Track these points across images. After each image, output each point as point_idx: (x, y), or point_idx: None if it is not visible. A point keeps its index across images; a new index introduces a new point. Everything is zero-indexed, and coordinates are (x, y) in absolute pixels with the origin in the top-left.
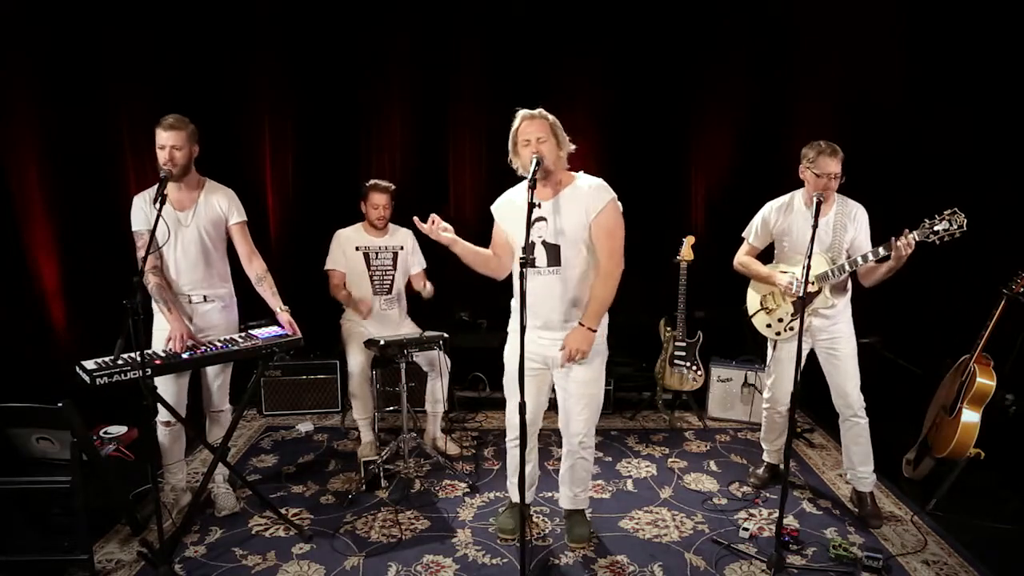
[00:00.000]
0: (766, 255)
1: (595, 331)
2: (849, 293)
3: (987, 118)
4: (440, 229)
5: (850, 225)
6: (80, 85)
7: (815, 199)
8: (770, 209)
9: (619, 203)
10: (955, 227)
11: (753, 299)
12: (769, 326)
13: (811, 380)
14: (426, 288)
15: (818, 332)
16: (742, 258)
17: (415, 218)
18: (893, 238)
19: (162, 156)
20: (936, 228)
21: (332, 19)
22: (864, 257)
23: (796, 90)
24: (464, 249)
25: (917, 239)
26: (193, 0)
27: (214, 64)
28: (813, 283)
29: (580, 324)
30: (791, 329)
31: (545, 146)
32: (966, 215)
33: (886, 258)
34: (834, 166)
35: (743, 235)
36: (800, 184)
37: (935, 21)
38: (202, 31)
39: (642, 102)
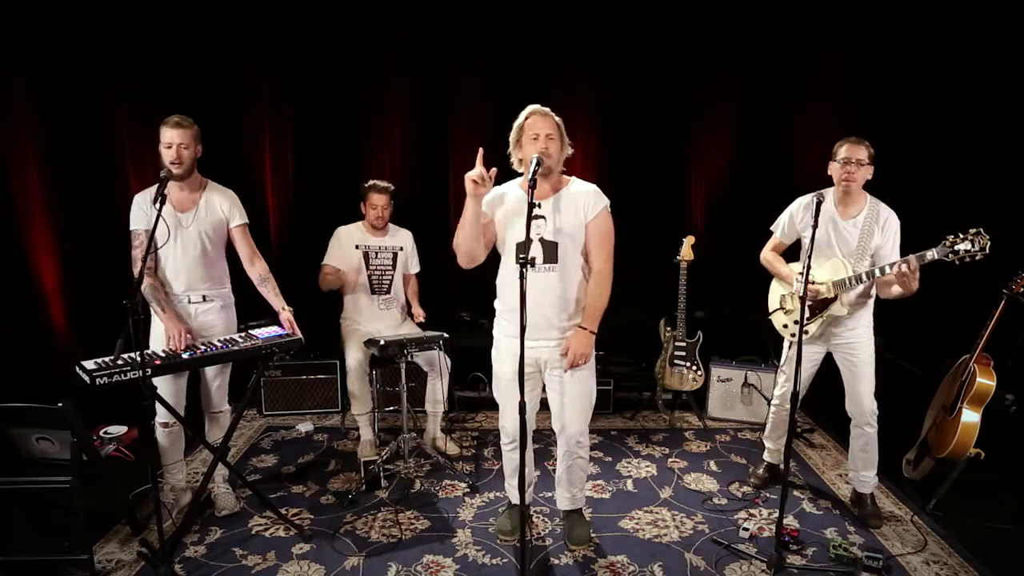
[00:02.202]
0: (792, 252)
1: (595, 334)
2: (872, 299)
3: (988, 118)
4: (486, 176)
5: (877, 231)
6: (80, 85)
7: (815, 199)
8: (798, 205)
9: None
10: (977, 248)
11: (774, 297)
12: (785, 326)
13: (815, 381)
14: (417, 312)
15: (836, 336)
16: (767, 254)
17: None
18: (897, 263)
19: (169, 155)
20: (957, 248)
21: (332, 19)
22: (882, 270)
23: (796, 90)
24: (477, 210)
25: (936, 257)
26: (193, 0)
27: (214, 64)
28: (818, 283)
29: (580, 327)
30: (806, 332)
31: (553, 145)
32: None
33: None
34: (856, 152)
35: (771, 228)
36: (830, 182)
37: (935, 20)
38: (202, 31)
39: (642, 102)
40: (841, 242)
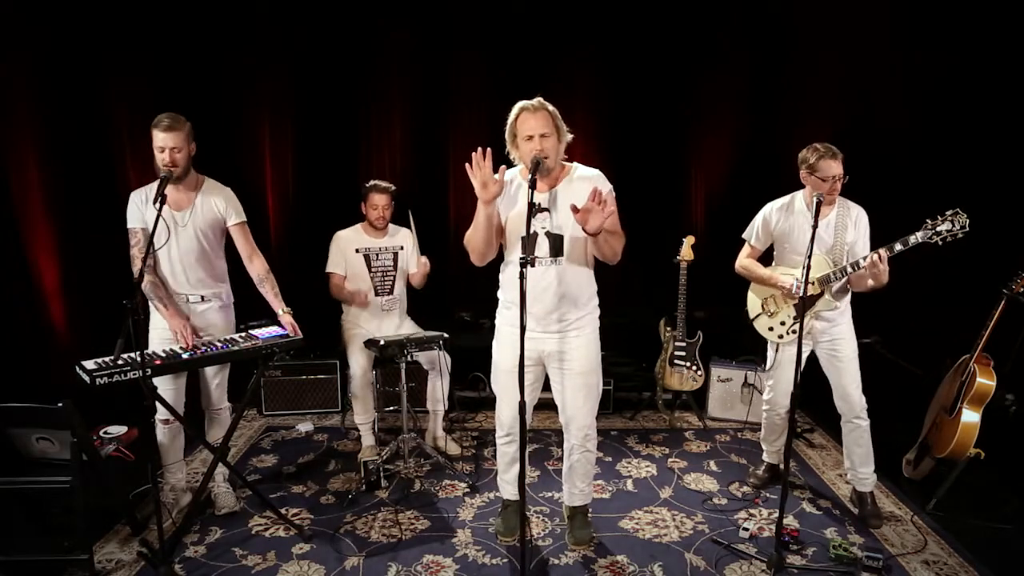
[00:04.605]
0: (766, 258)
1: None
2: (849, 294)
3: (987, 117)
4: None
5: (851, 227)
6: (80, 85)
7: (815, 200)
8: (771, 209)
9: None
10: (957, 227)
11: (754, 302)
12: (771, 329)
13: (811, 381)
14: (422, 263)
15: (820, 334)
16: (743, 261)
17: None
18: (870, 255)
19: (162, 158)
20: (939, 228)
21: (332, 19)
22: (859, 263)
23: (796, 90)
24: (490, 212)
25: (920, 240)
26: (193, 0)
27: (214, 64)
28: (813, 284)
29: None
30: (793, 332)
31: (548, 142)
32: (967, 214)
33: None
34: (836, 168)
35: (743, 236)
36: (801, 185)
37: (936, 20)
38: (202, 31)
39: (642, 102)
40: (818, 241)
